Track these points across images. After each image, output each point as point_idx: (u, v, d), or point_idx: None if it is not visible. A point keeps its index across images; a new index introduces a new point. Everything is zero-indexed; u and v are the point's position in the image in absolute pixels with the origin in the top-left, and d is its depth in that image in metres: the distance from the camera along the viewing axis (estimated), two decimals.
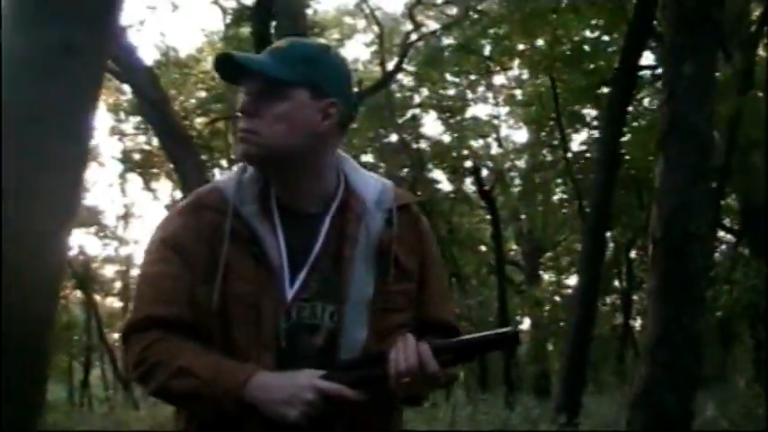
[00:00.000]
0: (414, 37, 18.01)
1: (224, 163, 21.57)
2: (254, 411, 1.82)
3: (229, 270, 1.89)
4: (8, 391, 3.99)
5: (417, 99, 22.96)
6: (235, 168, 2.08)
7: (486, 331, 1.89)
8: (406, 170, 23.08)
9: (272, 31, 11.69)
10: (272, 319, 1.89)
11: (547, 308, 22.20)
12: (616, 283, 22.07)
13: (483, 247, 26.85)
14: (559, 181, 21.04)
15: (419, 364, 1.78)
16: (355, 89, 14.59)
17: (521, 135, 22.11)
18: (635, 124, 15.12)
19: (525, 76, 19.24)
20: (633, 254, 21.04)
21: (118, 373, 24.34)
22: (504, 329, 1.86)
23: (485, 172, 23.13)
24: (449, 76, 21.24)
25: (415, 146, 23.06)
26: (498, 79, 22.47)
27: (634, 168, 15.47)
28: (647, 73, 14.60)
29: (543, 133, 20.09)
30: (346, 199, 2.00)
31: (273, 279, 1.90)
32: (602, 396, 15.31)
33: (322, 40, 2.07)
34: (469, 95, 23.13)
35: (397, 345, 1.82)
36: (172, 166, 14.89)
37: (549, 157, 20.15)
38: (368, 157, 24.33)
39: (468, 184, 25.80)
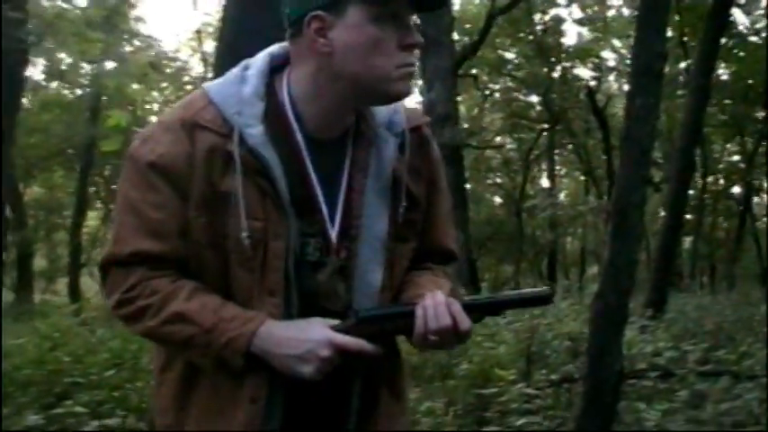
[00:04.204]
0: None
1: None
2: (257, 363, 1.76)
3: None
4: None
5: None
6: (228, 75, 1.89)
7: (520, 290, 1.93)
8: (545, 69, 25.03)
9: None
10: (280, 261, 1.78)
11: None
12: (736, 188, 23.36)
13: None
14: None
15: (452, 324, 1.75)
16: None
17: None
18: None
19: None
20: None
21: None
22: (539, 290, 1.89)
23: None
24: None
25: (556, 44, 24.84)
26: None
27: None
28: None
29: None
30: (358, 123, 1.91)
31: (282, 216, 1.79)
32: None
33: None
34: None
35: (425, 301, 1.78)
36: None
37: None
38: (510, 55, 26.34)
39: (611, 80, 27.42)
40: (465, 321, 1.78)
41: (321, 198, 1.85)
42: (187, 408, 1.85)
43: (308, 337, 1.75)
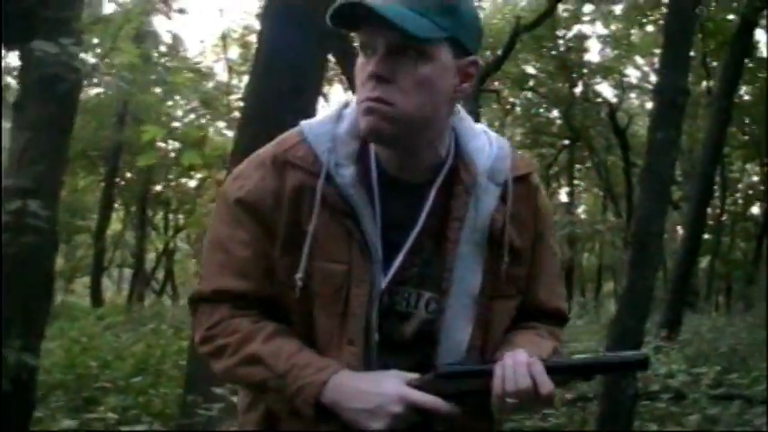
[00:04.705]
0: None
1: None
2: (329, 413, 1.65)
3: (316, 244, 1.69)
4: None
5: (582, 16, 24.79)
6: (326, 112, 1.82)
7: (612, 353, 1.82)
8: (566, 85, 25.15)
9: None
10: (363, 309, 1.69)
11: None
12: (755, 209, 23.47)
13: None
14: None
15: (532, 386, 1.60)
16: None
17: None
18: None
19: None
20: None
21: None
22: (633, 354, 1.76)
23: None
24: None
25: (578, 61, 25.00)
26: None
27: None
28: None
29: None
30: (455, 167, 1.77)
31: (368, 261, 1.70)
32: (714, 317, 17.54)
33: None
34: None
35: (504, 360, 1.63)
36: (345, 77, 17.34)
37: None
38: (532, 70, 26.50)
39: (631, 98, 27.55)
40: (546, 384, 1.60)
41: (378, 243, 1.72)
42: None
43: (380, 391, 1.63)
